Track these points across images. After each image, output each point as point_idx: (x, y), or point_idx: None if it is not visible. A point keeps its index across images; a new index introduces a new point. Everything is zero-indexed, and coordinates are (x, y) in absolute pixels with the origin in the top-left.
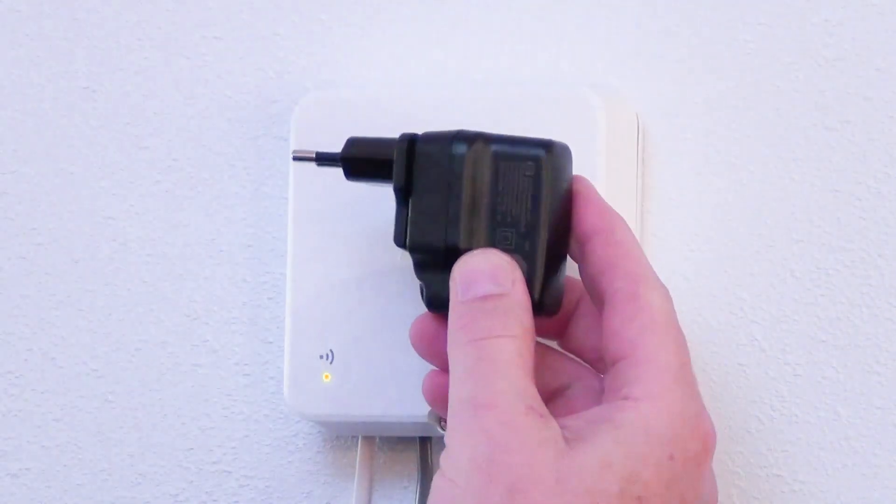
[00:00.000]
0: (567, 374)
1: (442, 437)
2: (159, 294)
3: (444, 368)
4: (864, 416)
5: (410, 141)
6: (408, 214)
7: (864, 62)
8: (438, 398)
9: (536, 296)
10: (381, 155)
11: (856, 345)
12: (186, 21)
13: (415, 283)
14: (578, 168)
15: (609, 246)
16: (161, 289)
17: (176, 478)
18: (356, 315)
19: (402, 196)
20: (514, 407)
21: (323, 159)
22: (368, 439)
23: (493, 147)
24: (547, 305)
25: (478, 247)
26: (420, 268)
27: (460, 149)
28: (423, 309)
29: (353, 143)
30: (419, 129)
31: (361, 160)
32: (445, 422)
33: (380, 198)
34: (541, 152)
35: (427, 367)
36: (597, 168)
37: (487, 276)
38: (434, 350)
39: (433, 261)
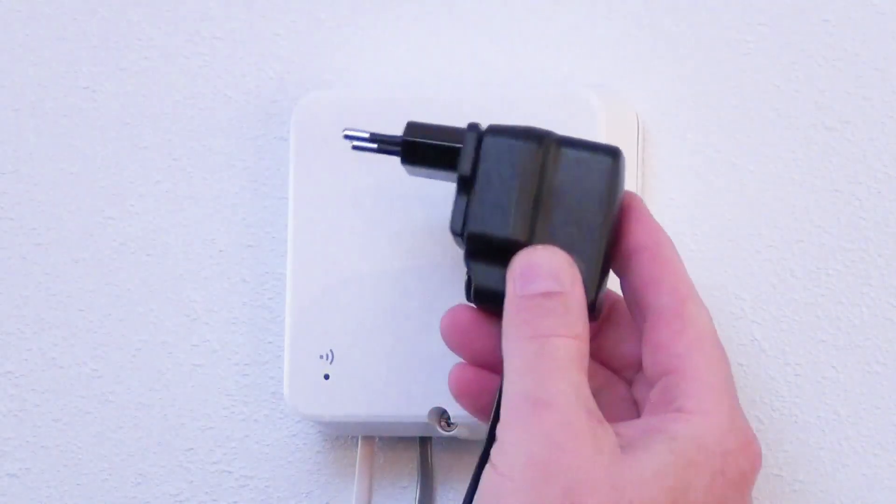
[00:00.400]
0: (596, 381)
1: (443, 437)
2: (159, 294)
3: (473, 362)
4: (864, 416)
5: (480, 132)
6: (468, 203)
7: (864, 62)
8: (465, 392)
9: (591, 298)
10: (447, 142)
11: (856, 345)
12: (186, 21)
13: (414, 284)
14: None
15: (656, 262)
16: (161, 289)
17: (176, 478)
18: (356, 315)
19: (465, 185)
20: (574, 409)
21: (381, 141)
22: (368, 439)
23: (564, 148)
24: (597, 310)
25: (539, 243)
26: (472, 257)
27: (532, 145)
28: (418, 308)
29: (414, 127)
30: None
31: (424, 146)
32: (446, 421)
33: (380, 197)
34: (610, 158)
35: (427, 367)
36: None
37: (549, 273)
38: (466, 342)
39: (489, 252)
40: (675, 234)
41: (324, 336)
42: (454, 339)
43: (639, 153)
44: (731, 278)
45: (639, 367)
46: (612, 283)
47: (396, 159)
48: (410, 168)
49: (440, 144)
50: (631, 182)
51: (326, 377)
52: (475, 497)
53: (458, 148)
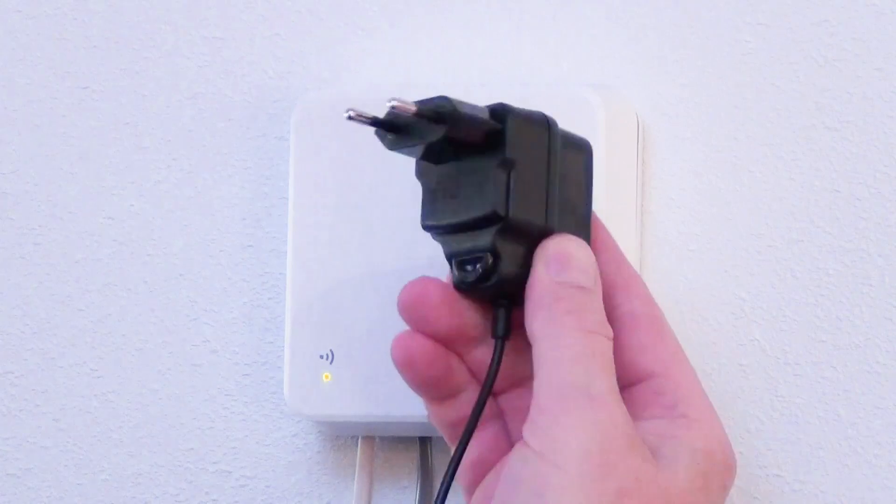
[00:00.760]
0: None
1: (443, 437)
2: (159, 294)
3: (427, 333)
4: (864, 416)
5: (507, 113)
6: (509, 184)
7: (864, 62)
8: (410, 363)
9: None
10: (489, 127)
11: (856, 345)
12: (186, 21)
13: None
14: None
15: (617, 267)
16: (161, 289)
17: (176, 478)
18: (356, 315)
19: (504, 164)
20: (621, 412)
21: (422, 115)
22: (368, 439)
23: (561, 133)
24: None
25: (554, 228)
26: (502, 235)
27: (547, 131)
28: None
29: (454, 109)
30: None
31: (466, 131)
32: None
33: (380, 197)
34: (587, 150)
35: None
36: (597, 168)
37: (581, 266)
38: (433, 317)
39: (523, 235)
40: (675, 234)
41: (324, 336)
42: (420, 312)
43: (639, 153)
44: (731, 278)
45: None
46: None
47: (398, 159)
48: (436, 153)
49: (482, 130)
50: (631, 182)
51: (326, 377)
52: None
53: (498, 129)
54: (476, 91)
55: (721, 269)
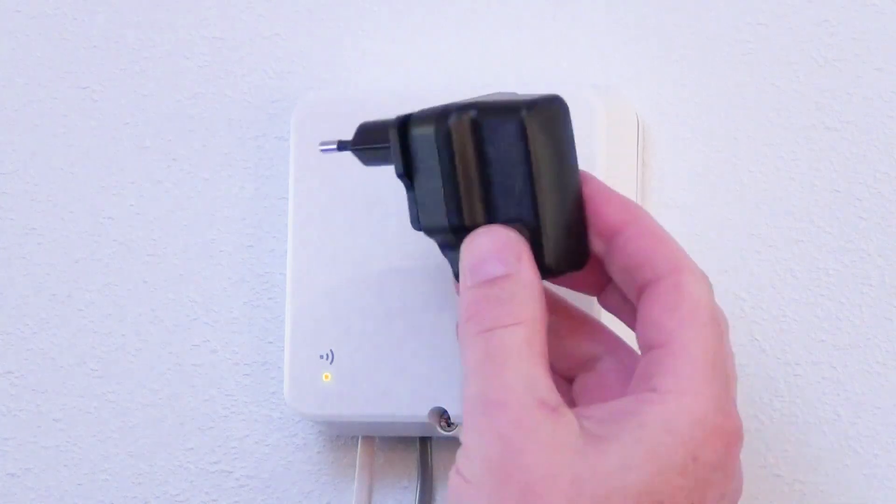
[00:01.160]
0: (600, 344)
1: (443, 437)
2: (159, 294)
3: None
4: (864, 416)
5: (403, 125)
6: (414, 198)
7: (864, 62)
8: None
9: (548, 260)
10: (382, 141)
11: (856, 345)
12: (186, 21)
13: (414, 284)
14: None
15: (643, 237)
16: (161, 289)
17: (176, 478)
18: (356, 315)
19: (408, 180)
20: (525, 403)
21: (342, 147)
22: (368, 439)
23: (475, 116)
24: (563, 266)
25: (480, 221)
26: (443, 248)
27: (445, 124)
28: (418, 308)
29: (360, 130)
30: None
31: (368, 150)
32: (446, 421)
33: (380, 197)
34: (522, 112)
35: (427, 367)
36: (597, 168)
37: (492, 255)
38: None
39: (449, 241)
40: (675, 234)
41: (324, 336)
42: None
43: (639, 153)
44: (731, 278)
45: (585, 366)
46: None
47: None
48: (374, 166)
49: (379, 146)
50: (631, 182)
51: (326, 377)
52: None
53: (387, 147)
54: (476, 91)
55: (721, 269)
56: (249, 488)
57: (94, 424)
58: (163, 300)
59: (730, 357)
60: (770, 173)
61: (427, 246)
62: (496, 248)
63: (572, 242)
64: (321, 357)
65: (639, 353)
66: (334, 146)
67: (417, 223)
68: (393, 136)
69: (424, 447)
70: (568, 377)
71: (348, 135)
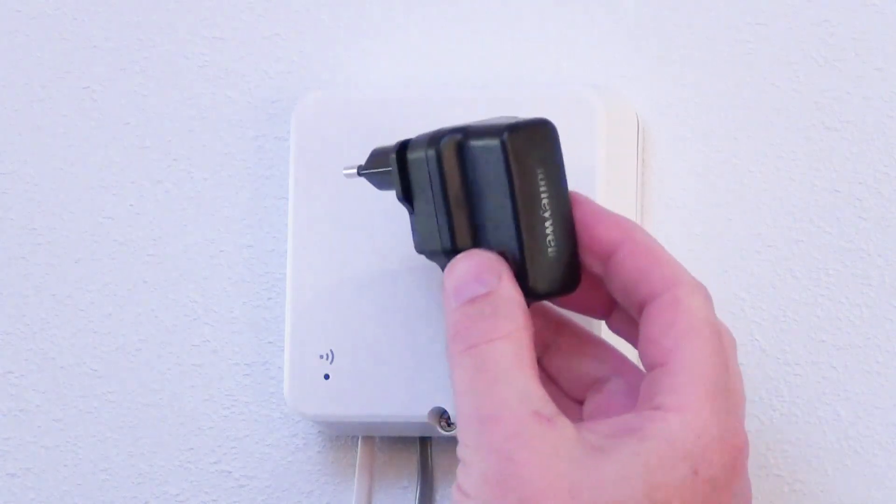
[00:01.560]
0: (608, 366)
1: (443, 437)
2: (159, 294)
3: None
4: (864, 416)
5: (401, 150)
6: (412, 222)
7: (864, 62)
8: None
9: (532, 283)
10: (385, 167)
11: (856, 345)
12: (186, 21)
13: (415, 284)
14: (579, 168)
15: (637, 255)
16: (161, 289)
17: (176, 478)
18: (356, 315)
19: (409, 205)
20: (520, 415)
21: (359, 174)
22: (368, 439)
23: (460, 139)
24: (547, 289)
25: (468, 246)
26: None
27: (436, 148)
28: (418, 308)
29: (371, 155)
30: (419, 130)
31: (374, 175)
32: (446, 421)
33: (380, 197)
34: (501, 136)
35: (427, 367)
36: (597, 168)
37: (473, 276)
38: None
39: (446, 264)
40: (674, 234)
41: (324, 336)
42: None
43: (639, 153)
44: (731, 278)
45: (594, 387)
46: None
47: None
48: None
49: (384, 171)
50: (631, 182)
51: (326, 377)
52: None
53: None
54: (476, 91)
55: (721, 269)
56: (249, 488)
57: (94, 424)
58: (163, 300)
59: (737, 376)
60: (770, 173)
61: None
62: (475, 269)
63: (559, 266)
64: (321, 357)
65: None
66: (354, 171)
67: (419, 248)
68: (392, 161)
69: (424, 447)
70: (578, 399)
71: (348, 135)
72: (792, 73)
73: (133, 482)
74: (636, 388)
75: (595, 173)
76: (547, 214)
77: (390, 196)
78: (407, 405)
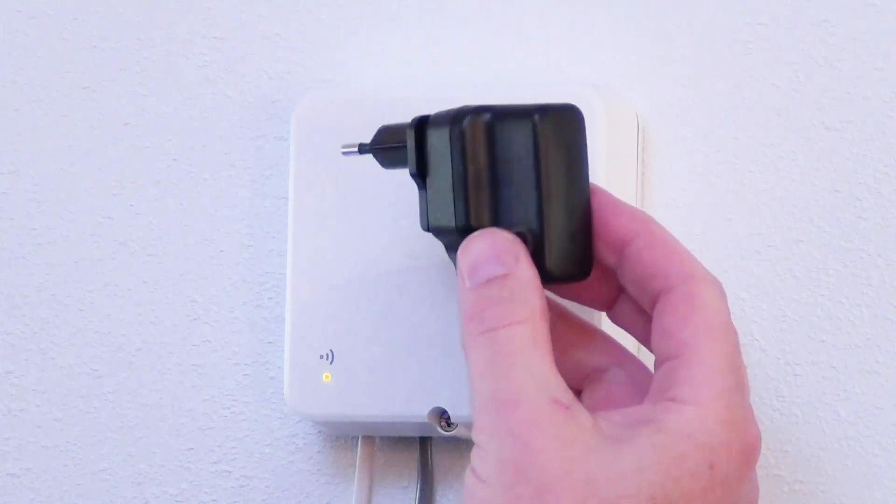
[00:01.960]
0: (607, 357)
1: (443, 437)
2: (159, 294)
3: None
4: (864, 416)
5: (419, 126)
6: (426, 199)
7: (864, 62)
8: None
9: (550, 265)
10: (398, 143)
11: (856, 345)
12: (186, 21)
13: (415, 284)
14: None
15: (654, 247)
16: (161, 289)
17: (176, 478)
18: (356, 315)
19: (421, 180)
20: (538, 402)
21: (363, 150)
22: (368, 439)
23: (489, 119)
24: (565, 273)
25: (486, 223)
26: (449, 250)
27: (459, 125)
28: (418, 308)
29: (379, 132)
30: None
31: (385, 150)
32: (446, 421)
33: (380, 198)
34: (533, 117)
35: (427, 367)
36: (597, 168)
37: (490, 256)
38: None
39: (455, 242)
40: (675, 234)
41: (324, 336)
42: None
43: (639, 153)
44: (731, 278)
45: (592, 377)
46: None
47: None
48: (391, 168)
49: (396, 146)
50: (631, 182)
51: (326, 377)
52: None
53: (404, 147)
54: (476, 91)
55: (721, 269)
56: (249, 488)
57: (94, 424)
58: (163, 300)
59: (743, 368)
60: (770, 173)
61: (427, 246)
62: (493, 249)
63: (576, 251)
64: (321, 357)
65: (644, 364)
66: (355, 149)
67: (427, 223)
68: (409, 135)
69: (424, 447)
70: (576, 389)
71: (348, 135)
72: (792, 73)
73: (133, 482)
74: (637, 379)
75: (595, 173)
76: (569, 198)
77: (391, 196)
78: (407, 405)
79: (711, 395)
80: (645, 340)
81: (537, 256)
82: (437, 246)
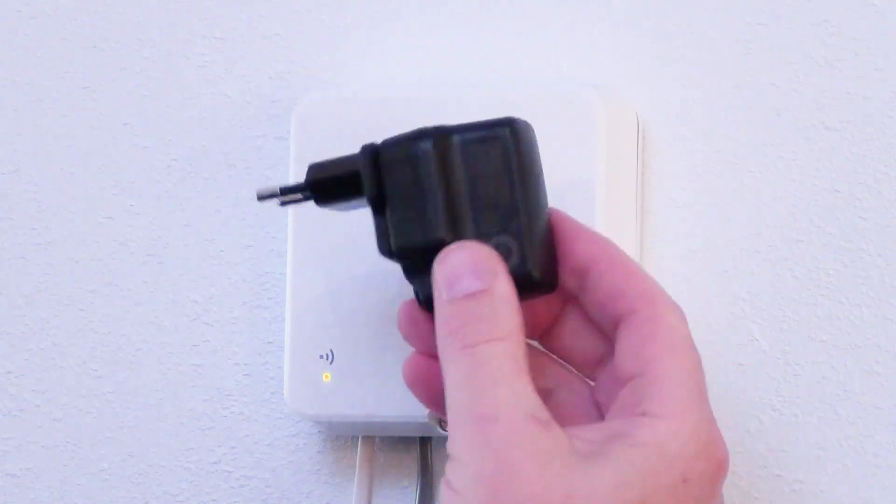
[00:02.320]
0: (552, 378)
1: (442, 438)
2: (159, 294)
3: (425, 353)
4: (864, 416)
5: (374, 150)
6: (387, 221)
7: (864, 62)
8: (417, 380)
9: (533, 270)
10: (348, 171)
11: (856, 345)
12: (186, 21)
13: None
14: (579, 168)
15: (615, 272)
16: (161, 289)
17: (176, 478)
18: (356, 315)
19: (378, 206)
20: (517, 418)
21: (287, 192)
22: (368, 439)
23: (457, 137)
24: (546, 279)
25: (465, 236)
26: (410, 273)
27: (426, 146)
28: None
29: (315, 167)
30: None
31: (329, 182)
32: (445, 422)
33: None
34: (504, 130)
35: None
36: (597, 168)
37: (468, 269)
38: (418, 334)
39: (422, 262)
40: (675, 234)
41: (324, 336)
42: (410, 331)
43: (639, 153)
44: (731, 278)
45: (599, 364)
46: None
47: None
48: (329, 206)
49: (343, 176)
50: (631, 182)
51: (326, 377)
52: None
53: (359, 172)
54: (476, 91)
55: (721, 269)
56: (249, 488)
57: (94, 424)
58: (163, 300)
59: (706, 388)
60: (770, 173)
61: None
62: (471, 262)
63: (550, 260)
64: (321, 357)
65: (587, 383)
66: (276, 191)
67: (388, 247)
68: (366, 161)
69: (424, 447)
70: None
71: (348, 135)
72: (792, 73)
73: (133, 482)
74: (585, 399)
75: (595, 173)
76: (539, 209)
77: None
78: (407, 405)
79: (680, 410)
80: (584, 365)
81: (519, 266)
82: None
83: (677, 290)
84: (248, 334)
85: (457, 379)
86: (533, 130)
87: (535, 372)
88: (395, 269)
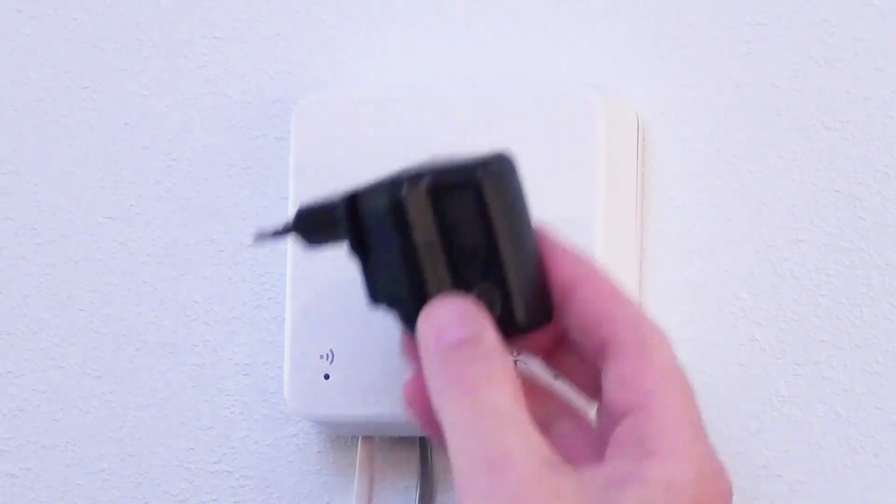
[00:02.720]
0: (550, 410)
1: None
2: (159, 294)
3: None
4: (864, 416)
5: (351, 199)
6: (370, 269)
7: (864, 62)
8: (418, 401)
9: (519, 316)
10: (329, 218)
11: (856, 345)
12: (186, 21)
13: None
14: (579, 168)
15: (599, 294)
16: (161, 289)
17: (176, 478)
18: (356, 315)
19: (361, 253)
20: (531, 464)
21: (277, 235)
22: (368, 439)
23: (430, 184)
24: (533, 322)
25: (444, 289)
26: (404, 322)
27: (400, 194)
28: None
29: (300, 212)
30: (419, 130)
31: (313, 228)
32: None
33: None
34: (477, 174)
35: None
36: (597, 168)
37: (455, 321)
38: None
39: (410, 314)
40: (675, 234)
41: (324, 336)
42: (408, 351)
43: (639, 153)
44: (731, 278)
45: (545, 427)
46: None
47: (398, 160)
48: (318, 249)
49: (325, 223)
50: (631, 182)
51: (326, 377)
52: None
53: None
54: (476, 91)
55: (721, 269)
56: (249, 488)
57: (94, 424)
58: (163, 300)
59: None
60: (770, 173)
61: None
62: (457, 314)
63: (538, 297)
64: (321, 357)
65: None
66: (269, 234)
67: (374, 298)
68: (342, 212)
69: (424, 447)
70: None
71: (348, 135)
72: (792, 73)
73: (133, 482)
74: (583, 431)
75: (595, 173)
76: (523, 246)
77: None
78: None
79: (684, 445)
80: (589, 384)
81: (503, 312)
82: None
83: (677, 291)
84: (248, 334)
85: (460, 427)
86: (515, 164)
87: (533, 404)
88: None
